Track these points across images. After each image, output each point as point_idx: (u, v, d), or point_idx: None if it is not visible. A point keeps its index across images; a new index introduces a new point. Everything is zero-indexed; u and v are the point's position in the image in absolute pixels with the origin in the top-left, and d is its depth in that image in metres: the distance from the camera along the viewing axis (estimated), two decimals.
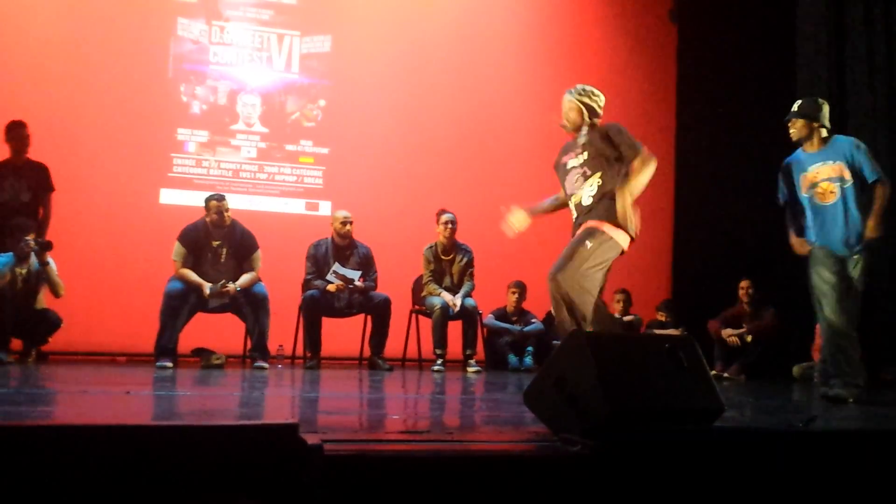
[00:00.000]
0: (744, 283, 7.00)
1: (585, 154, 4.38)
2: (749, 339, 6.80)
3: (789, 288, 7.30)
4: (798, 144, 4.86)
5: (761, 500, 2.38)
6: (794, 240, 4.88)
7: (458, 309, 6.55)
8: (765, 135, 7.90)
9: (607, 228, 4.16)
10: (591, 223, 4.21)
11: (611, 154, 4.34)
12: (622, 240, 4.19)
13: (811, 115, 4.72)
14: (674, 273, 8.60)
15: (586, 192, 4.31)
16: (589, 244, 4.16)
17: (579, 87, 4.49)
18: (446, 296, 6.62)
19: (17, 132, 6.08)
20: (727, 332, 6.87)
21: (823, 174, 4.69)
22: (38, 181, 6.12)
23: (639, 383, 2.43)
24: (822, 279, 4.56)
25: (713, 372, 6.37)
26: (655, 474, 2.29)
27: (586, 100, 4.45)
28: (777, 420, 3.64)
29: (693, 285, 8.19)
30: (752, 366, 6.71)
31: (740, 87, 8.07)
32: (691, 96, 8.61)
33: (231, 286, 5.92)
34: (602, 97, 4.53)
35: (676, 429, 2.42)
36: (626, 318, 7.48)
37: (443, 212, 6.81)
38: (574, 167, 4.41)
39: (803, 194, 4.81)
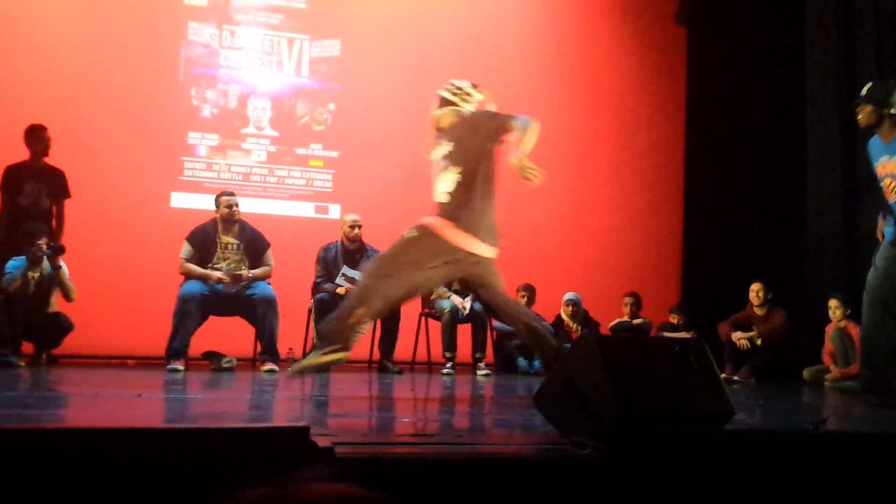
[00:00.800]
0: (754, 286, 6.97)
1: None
2: (759, 342, 6.78)
3: (800, 290, 7.31)
4: (869, 131, 4.50)
5: (772, 503, 2.37)
6: (879, 223, 4.52)
7: (467, 312, 6.55)
8: (776, 135, 7.92)
9: None
10: None
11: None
12: None
13: (881, 100, 4.33)
14: (684, 275, 8.59)
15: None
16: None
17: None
18: (455, 299, 6.62)
19: (41, 135, 6.11)
20: (737, 335, 6.85)
21: (889, 169, 4.34)
22: (57, 187, 6.15)
23: (649, 386, 2.43)
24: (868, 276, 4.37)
25: (723, 375, 6.35)
26: (665, 477, 2.29)
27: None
28: (787, 423, 3.63)
29: (703, 288, 8.17)
30: (762, 369, 6.69)
31: (750, 87, 8.05)
32: (700, 98, 8.60)
33: (244, 271, 5.95)
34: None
35: (686, 431, 2.42)
36: (636, 321, 7.46)
37: None
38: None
39: (881, 183, 4.43)
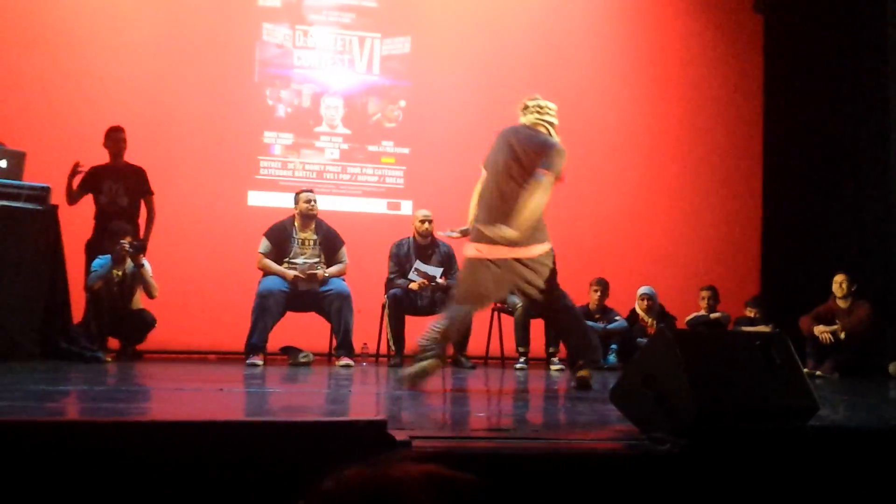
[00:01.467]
0: (838, 278, 6.76)
1: None
2: (843, 335, 6.58)
3: (886, 282, 7.06)
4: None
5: (858, 499, 2.31)
6: None
7: None
8: (857, 123, 7.66)
9: None
10: None
11: None
12: None
13: None
14: (763, 268, 8.39)
15: None
16: None
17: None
18: None
19: (115, 136, 6.31)
20: (819, 329, 6.66)
21: None
22: (136, 184, 6.34)
23: (729, 381, 2.39)
24: None
25: (805, 370, 6.19)
26: (747, 474, 2.25)
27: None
28: (873, 418, 3.52)
29: (783, 281, 7.97)
30: (845, 363, 6.48)
31: (829, 76, 7.82)
32: (778, 87, 8.39)
33: (320, 271, 6.05)
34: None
35: (769, 427, 2.37)
36: (713, 315, 7.32)
37: None
38: None
39: None
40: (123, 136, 6.33)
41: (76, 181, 6.15)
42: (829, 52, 7.82)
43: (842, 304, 6.75)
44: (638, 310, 7.27)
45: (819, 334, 6.64)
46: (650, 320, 7.16)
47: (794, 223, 8.03)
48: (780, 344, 2.53)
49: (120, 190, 6.28)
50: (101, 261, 5.86)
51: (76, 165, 6.09)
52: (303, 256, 6.16)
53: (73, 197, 6.14)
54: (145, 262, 5.97)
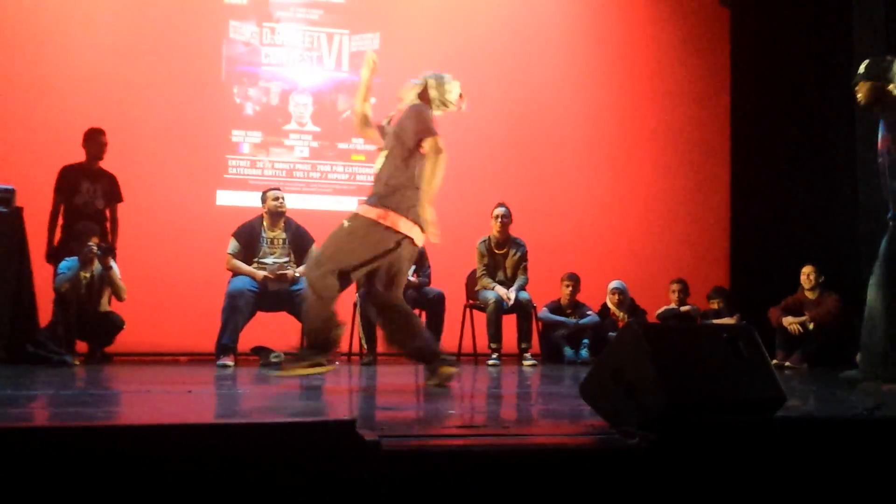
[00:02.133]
0: (806, 269, 6.84)
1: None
2: (811, 326, 6.65)
3: (853, 274, 7.14)
4: (868, 110, 4.50)
5: (826, 489, 2.33)
6: None
7: (512, 302, 6.53)
8: (823, 115, 7.74)
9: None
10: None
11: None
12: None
13: (879, 76, 4.32)
14: (732, 261, 8.47)
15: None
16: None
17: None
18: (500, 289, 6.61)
19: (98, 139, 6.24)
20: (788, 320, 6.73)
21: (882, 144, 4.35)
22: (109, 190, 6.27)
23: (697, 374, 2.40)
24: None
25: (774, 361, 6.25)
26: (716, 466, 2.26)
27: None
28: (841, 408, 3.56)
29: (752, 273, 8.04)
30: (814, 354, 6.56)
31: (796, 67, 7.89)
32: (746, 81, 8.46)
33: (290, 270, 6.01)
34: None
35: (737, 419, 2.38)
36: (683, 309, 7.38)
37: (497, 206, 6.80)
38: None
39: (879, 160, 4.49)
40: (105, 140, 6.26)
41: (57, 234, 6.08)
42: (796, 45, 7.90)
43: (810, 295, 6.83)
44: (609, 304, 7.31)
45: (788, 325, 6.71)
46: (621, 314, 7.21)
47: (762, 216, 8.11)
48: (747, 336, 2.55)
49: (98, 192, 6.21)
50: (68, 262, 5.79)
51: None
52: (272, 256, 6.12)
53: (52, 251, 6.06)
54: (113, 264, 5.90)
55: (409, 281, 6.40)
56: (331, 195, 7.73)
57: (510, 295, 6.54)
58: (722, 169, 8.63)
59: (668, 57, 8.54)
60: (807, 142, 7.81)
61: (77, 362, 5.55)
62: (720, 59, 8.66)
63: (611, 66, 8.48)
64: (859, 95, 4.41)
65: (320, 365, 4.11)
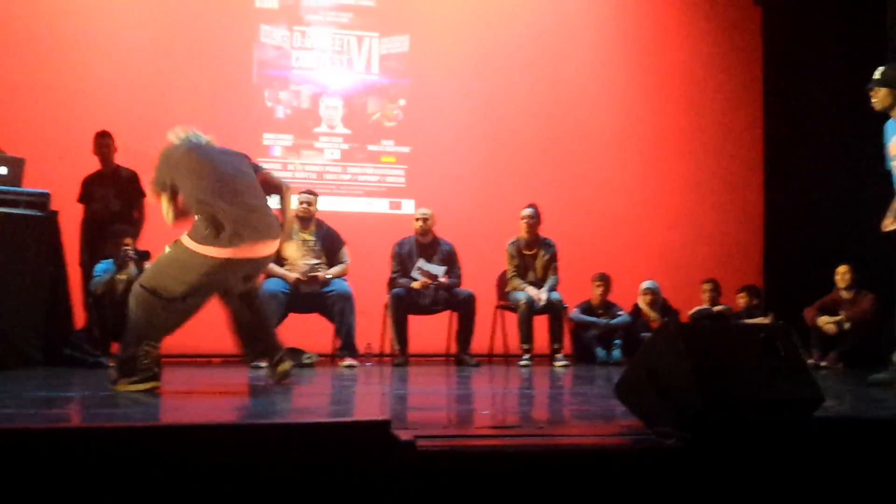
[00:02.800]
0: (841, 269, 6.75)
1: None
2: (847, 326, 6.56)
3: (889, 272, 7.03)
4: (885, 116, 4.55)
5: (864, 489, 2.30)
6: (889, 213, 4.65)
7: (543, 303, 6.51)
8: (858, 113, 7.62)
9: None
10: None
11: None
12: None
13: (895, 83, 4.41)
14: (765, 261, 8.38)
15: None
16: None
17: None
18: (531, 290, 6.59)
19: (101, 141, 6.32)
20: (823, 320, 6.65)
21: None
22: (129, 188, 6.33)
23: (734, 374, 2.37)
24: None
25: (809, 361, 6.17)
26: (753, 466, 2.24)
27: None
28: (878, 409, 3.51)
29: (786, 272, 7.95)
30: (850, 354, 6.47)
31: (829, 67, 7.79)
32: (778, 79, 8.36)
33: (321, 273, 6.05)
34: None
35: (774, 420, 2.36)
36: (716, 309, 7.31)
37: (526, 207, 6.78)
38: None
39: (890, 164, 4.56)
40: (108, 142, 6.33)
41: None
42: (829, 41, 7.80)
43: (845, 294, 6.74)
44: (641, 304, 7.26)
45: (823, 325, 6.63)
46: (653, 315, 7.15)
47: (795, 215, 8.01)
48: (783, 335, 2.52)
49: (110, 195, 6.28)
50: (103, 265, 5.86)
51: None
52: (303, 258, 6.15)
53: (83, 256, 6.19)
54: (148, 266, 5.96)
55: (439, 282, 6.42)
56: (361, 197, 7.76)
57: (541, 295, 6.52)
58: (755, 167, 8.54)
59: (699, 55, 8.48)
60: (840, 139, 7.70)
61: (112, 364, 5.60)
62: (752, 57, 8.57)
63: (641, 66, 8.43)
64: (874, 101, 4.49)
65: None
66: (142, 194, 6.36)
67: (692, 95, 8.44)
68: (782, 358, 2.47)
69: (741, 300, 7.35)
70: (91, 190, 6.29)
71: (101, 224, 6.14)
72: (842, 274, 6.75)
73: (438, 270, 6.45)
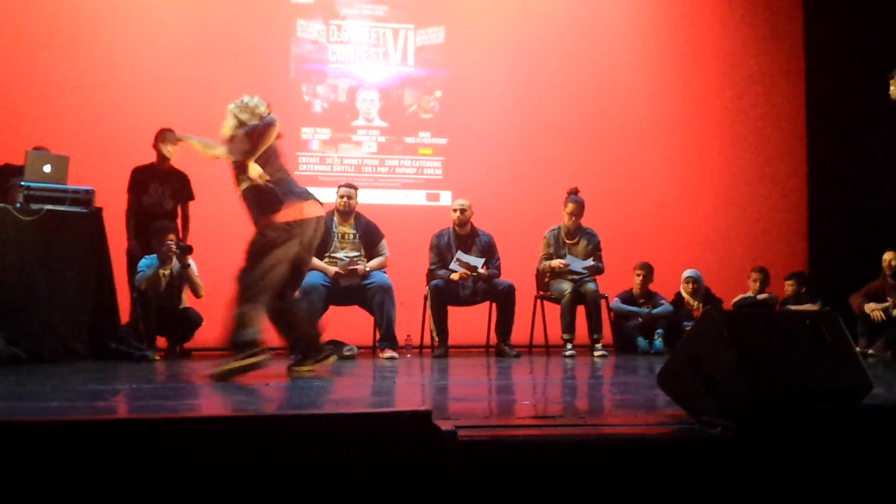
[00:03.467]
0: (888, 255, 6.63)
1: None
2: (895, 312, 6.44)
3: None
4: None
5: None
6: None
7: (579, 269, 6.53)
8: None
9: None
10: None
11: None
12: None
13: None
14: (810, 247, 8.24)
15: None
16: None
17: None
18: (555, 261, 6.59)
19: (167, 139, 6.35)
20: (871, 307, 6.53)
21: None
22: (180, 189, 6.39)
23: (779, 361, 2.34)
24: None
25: (857, 349, 6.06)
26: (801, 456, 2.20)
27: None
28: None
29: (831, 259, 7.81)
30: None
31: (872, 49, 7.62)
32: (822, 62, 8.20)
33: (360, 266, 6.07)
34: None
35: (821, 408, 2.32)
36: (761, 297, 7.21)
37: (570, 194, 6.72)
38: None
39: None
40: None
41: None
42: (873, 24, 7.63)
43: (892, 281, 6.61)
44: (683, 293, 7.18)
45: (870, 312, 6.52)
46: (696, 303, 7.08)
47: (840, 200, 7.86)
48: (830, 322, 2.48)
49: (166, 193, 6.33)
50: (147, 260, 5.94)
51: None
52: (343, 251, 6.19)
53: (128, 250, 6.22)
54: (191, 261, 6.03)
55: (479, 273, 6.42)
56: (399, 189, 7.78)
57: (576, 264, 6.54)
58: (797, 153, 8.40)
59: (739, 39, 8.34)
60: (886, 123, 7.54)
61: (157, 357, 5.69)
62: (794, 41, 8.42)
63: (680, 50, 8.32)
64: (893, 89, 4.33)
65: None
66: (192, 197, 6.43)
67: (733, 80, 8.32)
68: (829, 345, 2.42)
69: (789, 287, 7.25)
70: (144, 183, 6.30)
71: (151, 218, 6.20)
72: (889, 260, 6.62)
73: (477, 261, 6.44)
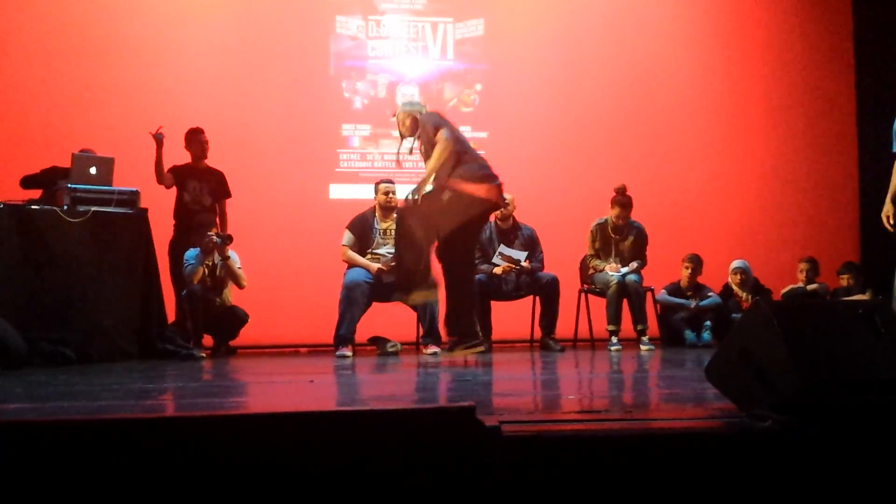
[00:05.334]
0: None
1: None
2: None
3: None
4: None
5: None
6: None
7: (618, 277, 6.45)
8: None
9: None
10: None
11: None
12: None
13: None
14: (862, 236, 8.06)
15: None
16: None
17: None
18: (609, 268, 6.52)
19: (198, 138, 6.43)
20: None
21: None
22: (217, 187, 6.46)
23: (831, 352, 2.27)
24: None
25: None
26: (855, 450, 2.14)
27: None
28: None
29: (884, 248, 7.62)
30: None
31: None
32: (871, 50, 8.01)
33: None
34: None
35: (877, 400, 2.25)
36: (811, 287, 7.07)
37: (617, 192, 6.64)
38: None
39: None
40: (205, 138, 6.44)
41: (162, 152, 6.26)
42: None
43: None
44: (731, 284, 7.06)
45: None
46: (744, 294, 6.96)
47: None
48: (883, 311, 2.40)
49: (204, 190, 6.40)
50: (192, 253, 6.01)
51: (157, 133, 6.15)
52: (385, 247, 6.18)
53: (162, 173, 6.25)
54: (231, 253, 6.09)
55: (522, 266, 6.38)
56: None
57: (620, 269, 6.47)
58: (848, 142, 8.21)
59: (786, 27, 8.18)
60: None
61: (204, 356, 5.75)
62: (843, 29, 8.23)
63: (725, 41, 8.18)
64: None
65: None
66: (228, 194, 6.50)
67: (780, 69, 8.16)
68: (883, 334, 2.35)
69: (843, 280, 7.09)
70: (183, 180, 6.38)
71: (192, 215, 6.28)
72: None
73: (520, 255, 6.40)
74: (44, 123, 7.05)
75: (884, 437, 2.15)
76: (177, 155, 6.43)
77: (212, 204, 6.42)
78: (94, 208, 5.44)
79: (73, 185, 5.42)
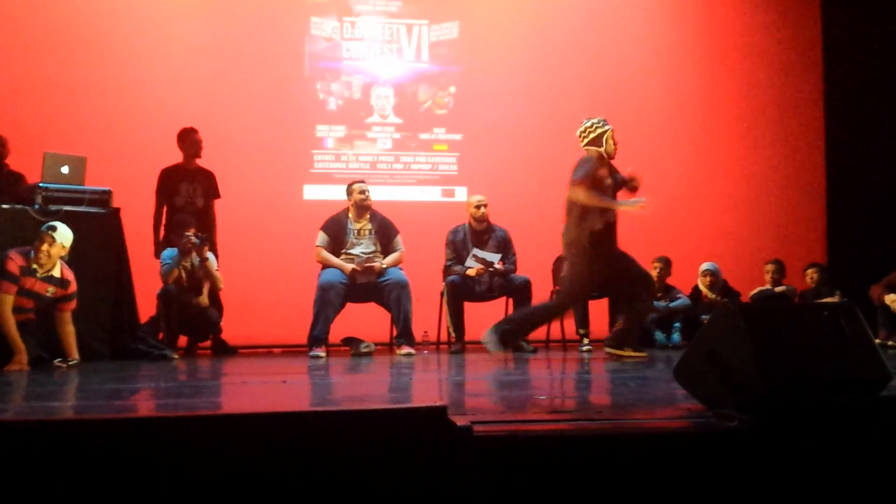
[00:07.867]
0: None
1: None
2: None
3: None
4: None
5: None
6: None
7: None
8: None
9: None
10: None
11: None
12: None
13: None
14: (829, 238, 8.18)
15: None
16: None
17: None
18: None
19: (193, 137, 6.38)
20: (891, 298, 6.46)
21: None
22: (208, 187, 6.42)
23: (797, 354, 2.32)
24: None
25: (877, 340, 6.01)
26: (819, 448, 2.19)
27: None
28: None
29: (850, 250, 7.75)
30: None
31: (891, 38, 7.56)
32: (839, 52, 8.13)
33: (377, 263, 6.08)
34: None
35: (839, 400, 2.30)
36: (778, 289, 7.16)
37: None
38: None
39: None
40: (200, 138, 6.39)
41: (161, 232, 6.25)
42: (891, 16, 7.56)
43: None
44: (701, 286, 7.14)
45: (891, 303, 6.46)
46: (714, 297, 7.04)
47: (859, 191, 7.80)
48: (848, 314, 2.46)
49: (197, 191, 6.36)
50: (170, 252, 5.97)
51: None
52: (359, 247, 6.20)
53: (158, 249, 6.21)
54: (210, 254, 6.06)
55: (495, 269, 6.41)
56: (414, 185, 7.78)
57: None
58: (815, 145, 8.32)
59: (756, 32, 8.28)
60: None
61: (176, 356, 5.71)
62: (812, 32, 8.34)
63: (696, 46, 8.27)
64: None
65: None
66: (218, 195, 6.46)
67: (749, 73, 8.26)
68: (848, 337, 2.41)
69: (809, 279, 7.20)
70: (175, 184, 6.33)
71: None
72: None
73: (493, 257, 6.44)
74: (13, 122, 6.96)
75: (847, 437, 2.20)
76: (153, 154, 6.40)
77: (204, 205, 6.38)
78: (65, 208, 5.39)
79: (45, 185, 5.37)
